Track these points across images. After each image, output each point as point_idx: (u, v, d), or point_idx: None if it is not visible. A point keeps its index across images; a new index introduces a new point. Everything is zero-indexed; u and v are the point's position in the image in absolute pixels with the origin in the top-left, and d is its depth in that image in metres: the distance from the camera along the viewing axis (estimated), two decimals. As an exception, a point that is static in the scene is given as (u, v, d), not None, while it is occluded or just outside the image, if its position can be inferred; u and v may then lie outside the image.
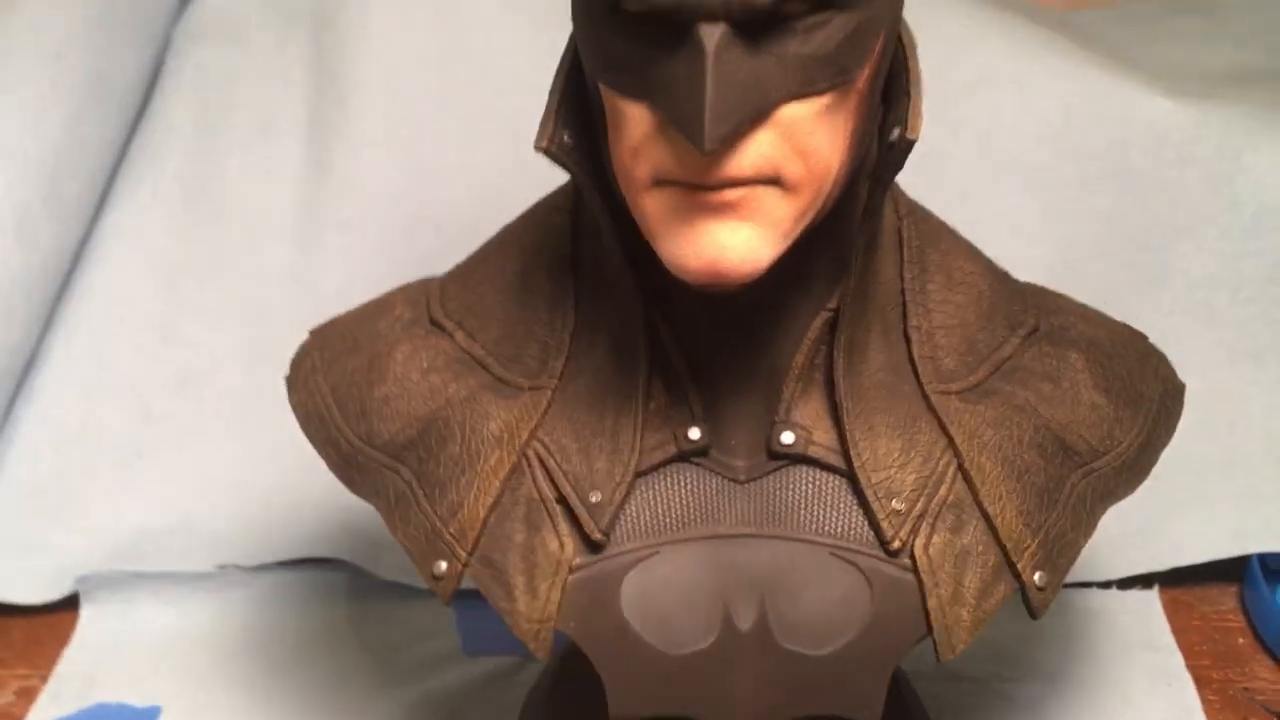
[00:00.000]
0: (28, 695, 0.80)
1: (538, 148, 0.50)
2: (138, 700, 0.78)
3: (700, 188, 0.45)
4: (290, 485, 0.87)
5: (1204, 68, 1.02)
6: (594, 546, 0.53)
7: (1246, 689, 0.79)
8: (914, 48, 0.52)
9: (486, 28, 0.95)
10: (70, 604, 0.85)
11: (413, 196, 0.94)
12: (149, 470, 0.89)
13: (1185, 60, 1.03)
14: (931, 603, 0.52)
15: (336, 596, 0.86)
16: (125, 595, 0.84)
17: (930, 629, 0.52)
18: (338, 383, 0.59)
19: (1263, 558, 0.84)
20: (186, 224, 0.96)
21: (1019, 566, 0.53)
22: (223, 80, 0.99)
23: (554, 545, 0.53)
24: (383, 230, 0.94)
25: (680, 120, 0.43)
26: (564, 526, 0.53)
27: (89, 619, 0.84)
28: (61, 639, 0.83)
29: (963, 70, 0.93)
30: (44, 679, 0.81)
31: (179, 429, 0.91)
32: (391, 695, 0.78)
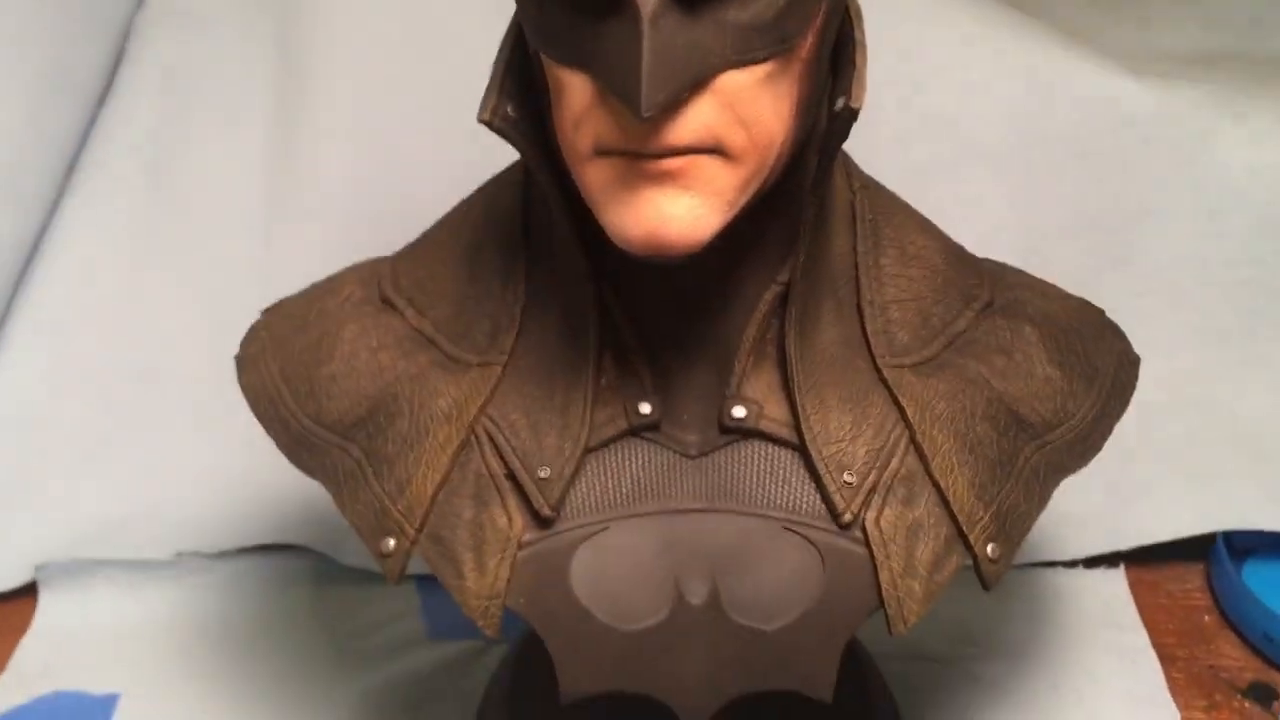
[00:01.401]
0: (-15, 684, 0.79)
1: (480, 119, 0.49)
2: (96, 688, 0.78)
3: (641, 156, 0.45)
4: (249, 472, 0.86)
5: (1170, 50, 1.02)
6: (543, 522, 0.52)
7: (1212, 666, 0.79)
8: (860, 16, 0.51)
9: (450, 17, 0.94)
10: (29, 592, 0.85)
11: (377, 186, 0.94)
12: (109, 458, 0.89)
13: (1152, 42, 1.03)
14: (883, 575, 0.52)
15: (299, 582, 0.85)
16: (84, 583, 0.84)
17: (882, 602, 0.52)
18: (286, 362, 0.59)
19: (1228, 536, 0.84)
20: (148, 213, 0.95)
21: (971, 538, 0.53)
22: (185, 69, 0.98)
23: (503, 521, 0.52)
24: (346, 219, 0.93)
25: (618, 87, 0.43)
26: (513, 502, 0.52)
27: (47, 607, 0.84)
28: (19, 627, 0.83)
29: (929, 53, 0.93)
30: (1, 668, 0.80)
31: (140, 417, 0.90)
32: (355, 680, 0.78)
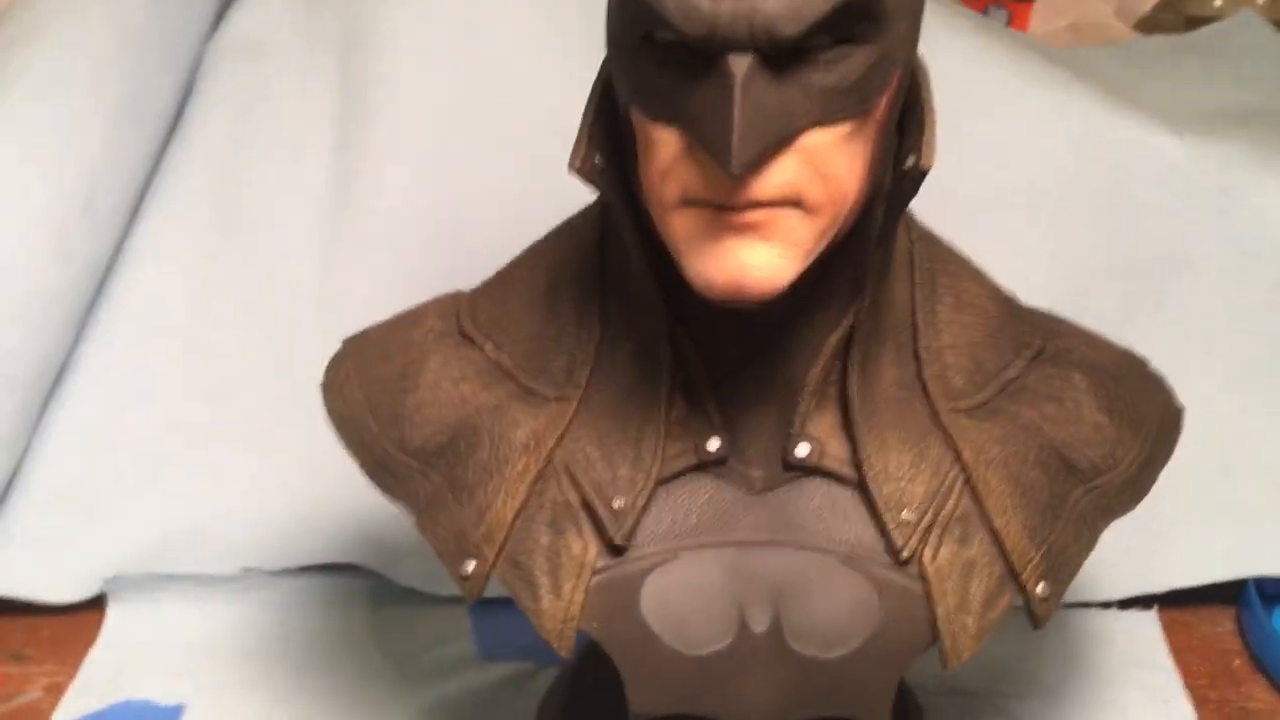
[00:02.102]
0: (56, 691, 0.82)
1: (571, 169, 0.52)
2: (162, 698, 0.80)
3: (726, 208, 0.48)
4: (312, 493, 0.89)
5: (1204, 105, 1.05)
6: (616, 550, 0.55)
7: (1243, 709, 0.81)
8: (928, 79, 0.54)
9: (512, 48, 0.97)
10: (98, 604, 0.87)
11: (437, 213, 0.96)
12: (176, 476, 0.91)
13: (1186, 97, 1.06)
14: (939, 611, 0.54)
15: (356, 601, 0.88)
16: (151, 596, 0.86)
17: (937, 636, 0.54)
18: (371, 390, 0.61)
19: (1259, 581, 0.86)
20: (216, 238, 0.98)
21: (1023, 578, 0.55)
22: (252, 99, 1.01)
23: (578, 548, 0.55)
24: (407, 246, 0.96)
25: (709, 144, 0.46)
26: (587, 530, 0.55)
27: (116, 618, 0.86)
28: (89, 638, 0.85)
29: (970, 100, 0.95)
30: (72, 676, 0.83)
31: (205, 436, 0.93)
32: (408, 698, 0.80)
